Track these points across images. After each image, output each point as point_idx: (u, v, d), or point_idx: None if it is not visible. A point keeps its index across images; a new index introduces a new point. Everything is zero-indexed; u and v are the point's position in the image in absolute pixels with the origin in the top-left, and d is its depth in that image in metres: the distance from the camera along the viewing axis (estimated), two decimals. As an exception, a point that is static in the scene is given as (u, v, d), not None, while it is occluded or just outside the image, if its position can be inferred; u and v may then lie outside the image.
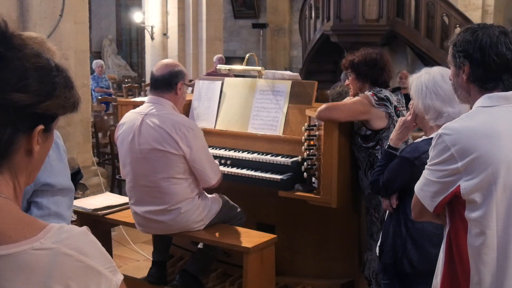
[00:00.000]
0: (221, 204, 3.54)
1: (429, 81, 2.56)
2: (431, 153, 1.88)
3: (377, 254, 2.83)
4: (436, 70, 2.60)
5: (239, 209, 3.66)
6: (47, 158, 1.94)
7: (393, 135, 2.84)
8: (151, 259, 4.46)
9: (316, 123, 3.43)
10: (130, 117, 3.40)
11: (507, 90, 1.86)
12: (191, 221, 3.38)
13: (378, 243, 2.81)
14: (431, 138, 2.56)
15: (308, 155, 3.44)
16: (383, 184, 2.72)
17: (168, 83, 3.33)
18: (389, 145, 2.85)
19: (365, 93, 3.43)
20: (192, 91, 4.55)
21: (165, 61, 3.54)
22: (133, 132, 3.31)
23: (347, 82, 3.66)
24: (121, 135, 3.41)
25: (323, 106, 3.37)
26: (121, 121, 3.47)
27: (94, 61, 11.17)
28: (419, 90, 2.59)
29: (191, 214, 3.37)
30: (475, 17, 11.32)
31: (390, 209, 2.73)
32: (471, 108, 1.94)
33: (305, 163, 3.44)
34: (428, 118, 2.59)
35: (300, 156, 3.55)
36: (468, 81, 1.90)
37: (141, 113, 3.33)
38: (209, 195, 3.53)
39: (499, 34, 1.86)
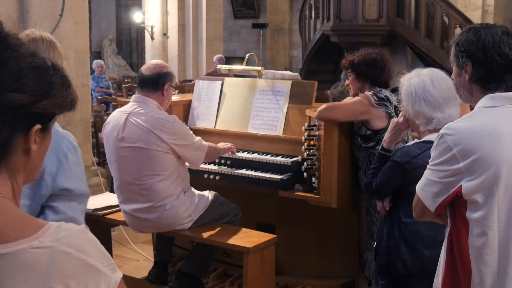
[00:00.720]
0: (210, 200, 3.54)
1: (418, 85, 2.54)
2: (433, 153, 1.88)
3: (373, 256, 2.84)
4: (426, 73, 2.58)
5: (233, 206, 3.66)
6: (67, 162, 1.94)
7: (386, 137, 2.84)
8: (152, 259, 4.47)
9: (316, 123, 3.43)
10: (114, 116, 3.43)
11: (509, 91, 1.85)
12: (178, 217, 3.39)
13: (374, 245, 2.81)
14: (423, 142, 2.57)
15: (308, 155, 3.44)
16: (376, 188, 2.73)
17: (156, 83, 3.37)
18: (382, 147, 2.85)
19: (365, 93, 3.43)
20: (189, 91, 4.56)
21: (155, 61, 3.59)
22: (117, 130, 3.34)
23: (347, 82, 3.66)
24: (106, 134, 3.43)
25: (323, 106, 3.38)
26: (107, 121, 3.50)
27: (94, 61, 11.17)
28: (408, 94, 2.58)
29: (177, 210, 3.37)
30: (475, 17, 11.32)
31: (383, 212, 2.75)
32: (472, 108, 1.94)
33: (305, 163, 3.44)
34: (418, 123, 2.60)
35: (300, 156, 3.55)
36: (471, 81, 1.89)
37: (125, 112, 3.35)
38: (198, 192, 3.53)
39: (502, 34, 1.86)
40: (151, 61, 3.61)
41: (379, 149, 2.89)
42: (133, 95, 3.50)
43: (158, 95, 3.38)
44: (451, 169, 1.80)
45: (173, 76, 3.45)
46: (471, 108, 1.94)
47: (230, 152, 3.80)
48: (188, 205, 3.42)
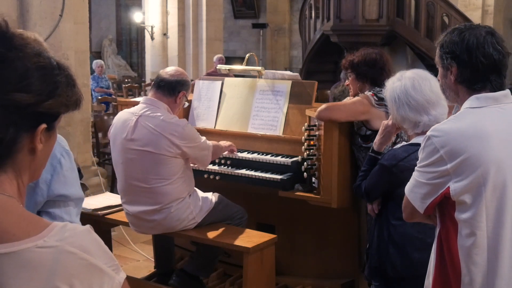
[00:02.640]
0: (213, 202, 3.54)
1: (401, 91, 2.54)
2: (421, 154, 1.88)
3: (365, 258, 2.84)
4: (408, 76, 2.57)
5: (237, 208, 3.66)
6: (61, 169, 1.93)
7: (376, 139, 2.85)
8: (151, 259, 4.47)
9: (316, 123, 3.44)
10: (123, 117, 3.40)
11: (495, 91, 1.86)
12: (182, 219, 3.39)
13: (367, 247, 2.82)
14: (410, 145, 2.58)
15: (308, 155, 3.44)
16: (365, 190, 2.74)
17: (173, 89, 3.37)
18: (372, 149, 2.85)
19: (365, 93, 3.43)
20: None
21: (176, 68, 3.62)
22: (126, 132, 3.32)
23: (347, 82, 3.66)
24: (113, 134, 3.42)
25: (323, 106, 3.38)
26: (114, 120, 3.49)
27: (94, 61, 11.16)
28: (392, 100, 2.58)
29: (181, 213, 3.37)
30: (475, 17, 11.31)
31: (373, 214, 2.75)
32: (459, 108, 1.94)
33: (305, 163, 3.44)
34: (406, 127, 2.60)
35: (300, 156, 3.55)
36: (456, 82, 1.90)
37: (135, 114, 3.34)
38: (202, 194, 3.54)
39: (485, 34, 1.86)
40: (171, 66, 3.64)
41: (370, 151, 2.90)
42: (143, 97, 3.49)
43: (171, 101, 3.38)
44: (439, 171, 1.80)
45: (190, 86, 3.48)
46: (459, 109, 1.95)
47: (230, 151, 3.81)
48: (193, 208, 3.42)
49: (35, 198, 1.89)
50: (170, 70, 3.47)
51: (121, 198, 3.52)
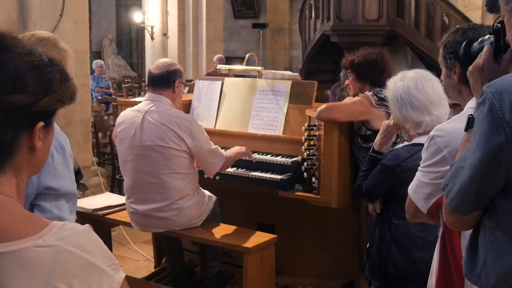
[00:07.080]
0: (214, 200, 3.58)
1: (403, 91, 2.54)
2: (424, 154, 1.88)
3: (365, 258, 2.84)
4: (410, 76, 2.57)
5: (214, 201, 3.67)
6: (52, 161, 1.93)
7: (377, 139, 2.84)
8: (151, 259, 4.47)
9: (316, 123, 3.44)
10: (129, 115, 3.41)
11: None
12: (192, 216, 3.41)
13: (367, 247, 2.82)
14: (412, 145, 2.58)
15: (308, 155, 3.44)
16: (366, 190, 2.74)
17: (166, 81, 3.38)
18: (373, 149, 2.85)
19: (365, 93, 3.43)
20: (189, 91, 4.55)
21: (163, 60, 3.60)
22: (134, 129, 3.33)
23: (346, 82, 3.66)
24: (120, 133, 3.42)
25: (323, 106, 3.38)
26: (119, 120, 3.48)
27: (94, 61, 11.16)
28: (395, 100, 2.58)
29: (192, 210, 3.40)
30: (475, 17, 11.31)
31: (374, 214, 2.75)
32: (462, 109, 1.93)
33: (305, 163, 3.44)
34: (408, 127, 2.60)
35: (300, 156, 3.55)
36: (460, 82, 1.89)
37: (141, 111, 3.35)
38: (204, 191, 3.55)
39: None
40: (159, 60, 3.63)
41: (370, 151, 2.90)
42: (146, 94, 3.51)
43: (170, 93, 3.39)
44: (442, 171, 1.80)
45: (182, 72, 3.47)
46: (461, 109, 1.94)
47: (247, 157, 3.75)
48: (201, 205, 3.45)
49: (26, 189, 1.90)
50: (158, 64, 3.47)
51: (129, 198, 3.49)
